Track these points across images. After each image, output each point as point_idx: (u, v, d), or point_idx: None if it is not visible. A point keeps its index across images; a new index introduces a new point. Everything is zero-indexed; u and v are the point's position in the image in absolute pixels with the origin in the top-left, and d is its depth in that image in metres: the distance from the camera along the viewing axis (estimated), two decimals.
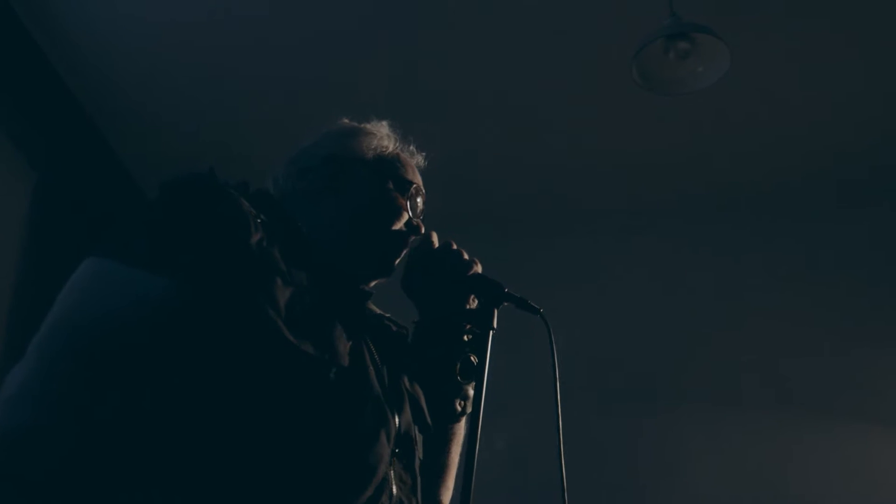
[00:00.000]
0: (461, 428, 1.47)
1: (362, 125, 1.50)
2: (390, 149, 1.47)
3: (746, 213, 3.95)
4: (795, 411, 3.58)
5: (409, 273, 1.46)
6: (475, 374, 1.41)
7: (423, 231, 1.44)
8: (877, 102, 3.47)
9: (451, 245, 1.45)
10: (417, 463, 1.30)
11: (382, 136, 1.47)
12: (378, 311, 1.42)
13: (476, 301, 1.43)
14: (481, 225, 3.74)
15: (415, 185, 1.44)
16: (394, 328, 1.40)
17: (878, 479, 3.40)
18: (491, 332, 1.33)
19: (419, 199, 1.46)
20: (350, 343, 1.18)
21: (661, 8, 2.79)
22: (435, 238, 1.48)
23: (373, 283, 1.42)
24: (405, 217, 1.41)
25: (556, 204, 4.04)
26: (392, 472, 1.18)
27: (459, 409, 1.44)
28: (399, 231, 1.40)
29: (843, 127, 3.59)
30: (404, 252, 1.43)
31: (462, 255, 1.43)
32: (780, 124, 3.60)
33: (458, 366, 1.43)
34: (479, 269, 1.42)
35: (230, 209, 1.11)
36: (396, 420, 1.23)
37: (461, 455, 1.42)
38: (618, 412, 3.65)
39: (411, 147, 1.52)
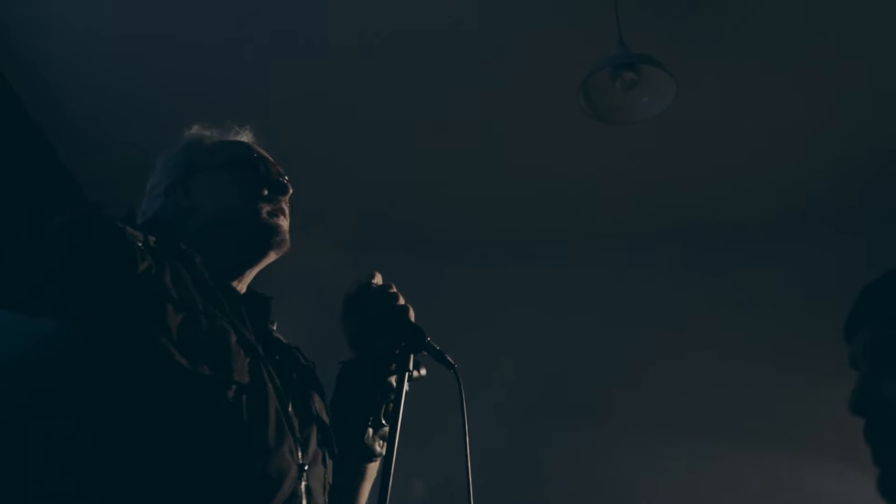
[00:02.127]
0: (375, 468, 1.48)
1: (176, 142, 1.51)
2: (211, 141, 1.49)
3: (687, 241, 3.98)
4: (733, 439, 3.62)
5: (345, 310, 1.47)
6: (394, 416, 1.43)
7: (290, 189, 1.45)
8: (822, 135, 3.54)
9: (390, 287, 1.46)
10: (326, 486, 1.31)
11: (198, 138, 1.50)
12: (286, 341, 1.42)
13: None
14: (425, 251, 3.79)
15: (251, 158, 1.46)
16: (301, 359, 1.41)
17: None
18: (410, 376, 1.35)
19: (264, 162, 1.46)
20: (248, 360, 1.19)
21: (610, 37, 2.83)
22: (378, 278, 1.49)
23: (272, 259, 1.43)
24: (263, 188, 1.42)
25: (500, 230, 4.04)
26: (302, 486, 1.18)
27: (379, 449, 1.45)
28: (264, 203, 1.41)
29: (785, 160, 3.66)
30: (282, 217, 1.42)
31: (396, 299, 1.44)
32: (721, 157, 3.66)
33: (383, 407, 1.44)
34: (411, 315, 1.43)
35: (114, 243, 1.14)
36: (303, 438, 1.24)
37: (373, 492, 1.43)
38: (558, 437, 3.68)
39: (234, 129, 1.53)
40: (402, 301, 1.44)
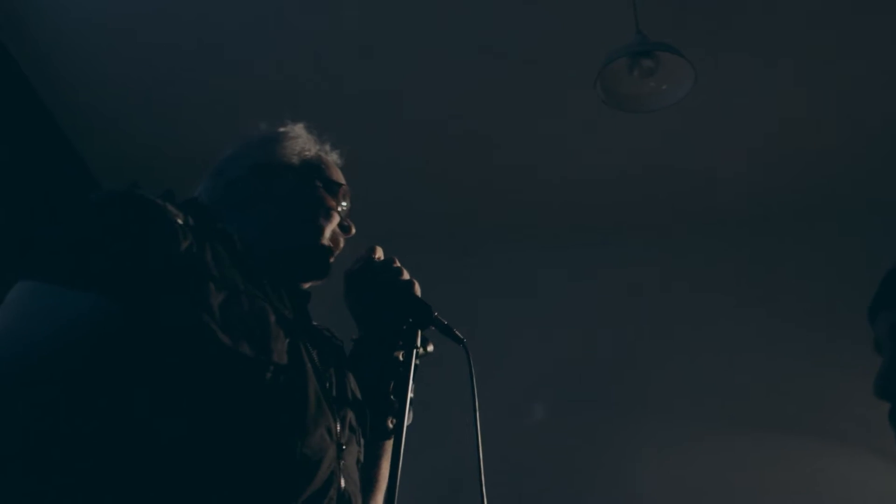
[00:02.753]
0: (390, 445, 1.49)
1: (281, 129, 1.50)
2: (313, 151, 1.48)
3: (704, 229, 3.96)
4: (747, 427, 3.60)
5: (348, 286, 1.47)
6: (403, 393, 1.43)
7: (353, 230, 1.45)
8: (839, 123, 3.51)
9: (393, 262, 1.46)
10: (359, 462, 1.32)
11: (304, 140, 1.49)
12: (316, 323, 1.42)
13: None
14: (441, 240, 3.79)
15: (343, 187, 1.46)
16: (334, 340, 1.42)
17: (827, 495, 3.44)
18: (417, 352, 1.34)
19: (347, 200, 1.47)
20: (288, 341, 1.19)
21: (628, 26, 2.82)
22: (379, 252, 1.49)
23: (308, 285, 1.43)
24: (336, 219, 1.43)
25: (520, 218, 4.03)
26: (340, 465, 1.19)
27: (391, 426, 1.45)
28: (332, 232, 1.42)
29: (804, 149, 3.63)
30: (338, 252, 1.44)
31: (400, 273, 1.44)
32: (741, 144, 3.63)
33: (392, 384, 1.44)
34: (416, 289, 1.43)
35: (156, 219, 1.12)
36: (340, 418, 1.25)
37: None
38: (573, 423, 3.66)
39: (327, 146, 1.53)
40: (406, 276, 1.44)
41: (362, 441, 1.35)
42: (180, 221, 1.15)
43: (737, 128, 3.56)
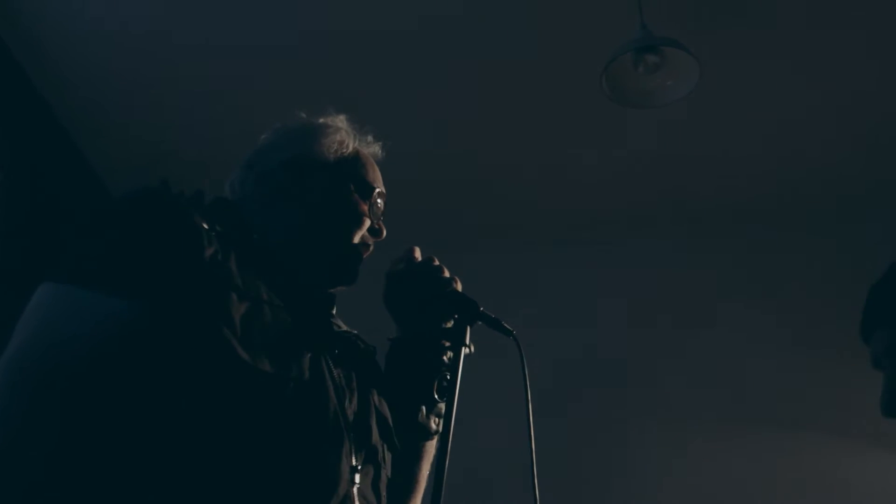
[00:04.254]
0: (433, 446, 1.46)
1: (320, 121, 1.45)
2: (350, 147, 1.43)
3: (712, 225, 3.97)
4: (764, 424, 3.61)
5: (390, 287, 1.45)
6: (451, 392, 1.41)
7: (384, 234, 1.42)
8: (844, 120, 3.51)
9: (433, 261, 1.44)
10: (384, 481, 1.29)
11: (342, 133, 1.43)
12: (345, 327, 1.40)
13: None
14: (452, 236, 3.75)
15: (377, 190, 1.42)
16: (361, 345, 1.38)
17: (845, 493, 3.46)
18: (463, 351, 1.33)
19: (381, 202, 1.43)
20: (310, 356, 1.16)
21: (632, 21, 2.82)
22: (417, 253, 1.47)
23: (334, 290, 1.40)
24: (367, 222, 1.39)
25: (526, 214, 4.02)
26: (355, 489, 1.17)
27: (434, 426, 1.44)
28: (362, 237, 1.39)
29: (809, 144, 3.63)
30: (366, 257, 1.41)
31: (442, 272, 1.43)
32: (747, 140, 3.63)
33: (436, 383, 1.42)
34: (458, 286, 1.42)
35: (182, 225, 1.10)
36: (358, 439, 1.22)
37: (431, 471, 1.42)
38: (588, 421, 3.67)
39: (369, 138, 1.48)
40: (447, 273, 1.42)
41: (388, 457, 1.32)
42: (206, 227, 1.13)
43: (741, 124, 3.55)
